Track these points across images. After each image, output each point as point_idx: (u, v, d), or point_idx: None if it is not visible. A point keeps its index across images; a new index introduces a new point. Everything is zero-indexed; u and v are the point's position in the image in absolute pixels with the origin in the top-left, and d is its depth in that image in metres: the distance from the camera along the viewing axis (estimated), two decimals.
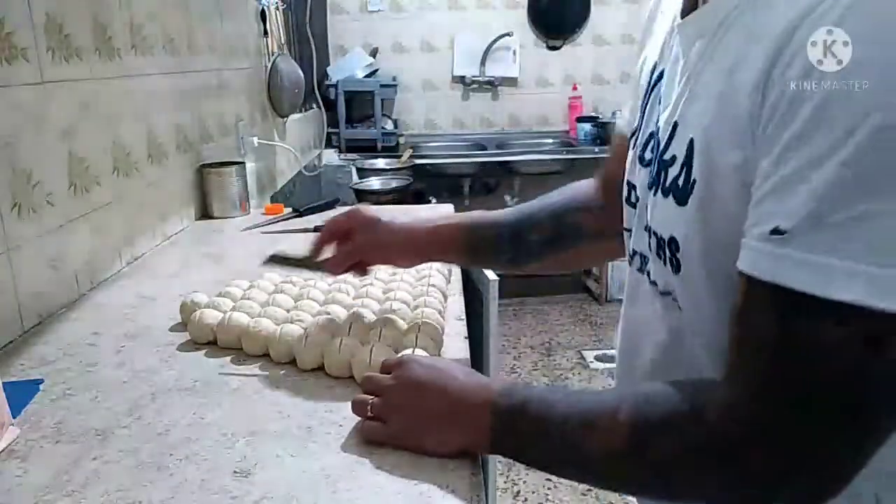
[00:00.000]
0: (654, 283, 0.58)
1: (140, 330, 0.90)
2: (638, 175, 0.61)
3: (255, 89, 2.04)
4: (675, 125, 0.53)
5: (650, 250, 0.58)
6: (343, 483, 0.57)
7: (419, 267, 1.02)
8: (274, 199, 1.97)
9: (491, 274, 1.14)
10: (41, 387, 0.74)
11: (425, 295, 0.91)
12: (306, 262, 0.85)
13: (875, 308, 0.38)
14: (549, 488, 2.06)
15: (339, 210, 1.60)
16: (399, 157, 2.86)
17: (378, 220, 0.82)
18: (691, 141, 0.50)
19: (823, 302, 0.39)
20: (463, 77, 3.60)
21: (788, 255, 0.40)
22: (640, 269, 0.61)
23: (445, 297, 0.95)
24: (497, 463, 2.10)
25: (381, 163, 2.74)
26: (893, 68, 0.37)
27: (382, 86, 3.20)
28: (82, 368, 0.79)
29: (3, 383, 0.66)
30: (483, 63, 3.55)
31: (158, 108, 1.34)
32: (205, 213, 1.55)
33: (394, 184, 2.07)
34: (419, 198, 2.12)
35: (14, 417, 0.66)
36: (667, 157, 0.53)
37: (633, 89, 0.69)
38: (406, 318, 0.84)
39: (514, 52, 3.57)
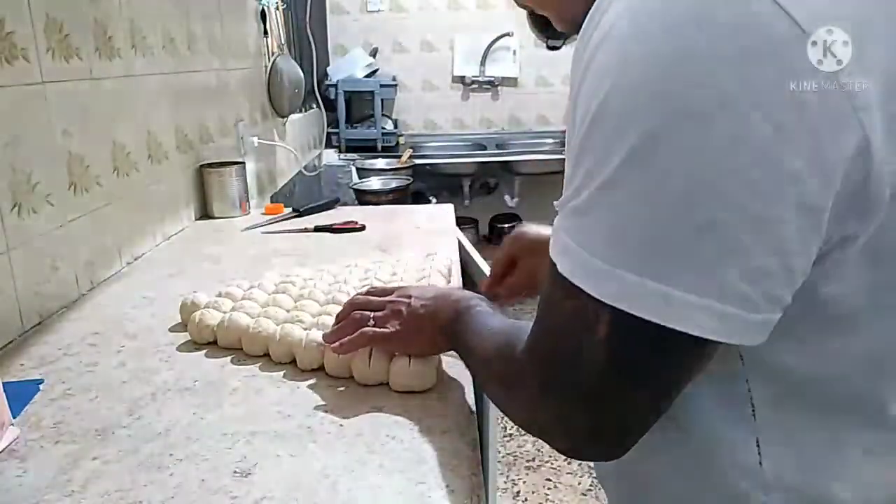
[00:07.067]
0: None
1: (140, 330, 0.90)
2: None
3: (255, 89, 2.04)
4: None
5: None
6: (343, 483, 0.57)
7: (419, 267, 1.03)
8: (274, 199, 1.97)
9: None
10: (41, 387, 0.74)
11: None
12: None
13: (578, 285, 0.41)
14: (548, 489, 2.06)
15: (339, 210, 1.60)
16: (399, 157, 2.86)
17: None
18: None
19: (560, 273, 0.43)
20: (463, 77, 3.60)
21: (555, 227, 0.45)
22: None
23: None
24: (497, 463, 2.10)
25: (380, 163, 2.74)
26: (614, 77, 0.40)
27: (382, 86, 3.19)
28: (82, 368, 0.79)
29: (3, 383, 0.66)
30: (483, 63, 3.55)
31: (158, 108, 1.34)
32: (205, 213, 1.55)
33: (394, 184, 2.07)
34: (419, 198, 2.12)
35: (14, 417, 0.66)
36: None
37: None
38: None
39: (514, 52, 3.57)
